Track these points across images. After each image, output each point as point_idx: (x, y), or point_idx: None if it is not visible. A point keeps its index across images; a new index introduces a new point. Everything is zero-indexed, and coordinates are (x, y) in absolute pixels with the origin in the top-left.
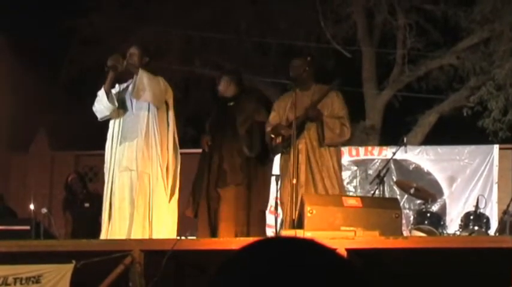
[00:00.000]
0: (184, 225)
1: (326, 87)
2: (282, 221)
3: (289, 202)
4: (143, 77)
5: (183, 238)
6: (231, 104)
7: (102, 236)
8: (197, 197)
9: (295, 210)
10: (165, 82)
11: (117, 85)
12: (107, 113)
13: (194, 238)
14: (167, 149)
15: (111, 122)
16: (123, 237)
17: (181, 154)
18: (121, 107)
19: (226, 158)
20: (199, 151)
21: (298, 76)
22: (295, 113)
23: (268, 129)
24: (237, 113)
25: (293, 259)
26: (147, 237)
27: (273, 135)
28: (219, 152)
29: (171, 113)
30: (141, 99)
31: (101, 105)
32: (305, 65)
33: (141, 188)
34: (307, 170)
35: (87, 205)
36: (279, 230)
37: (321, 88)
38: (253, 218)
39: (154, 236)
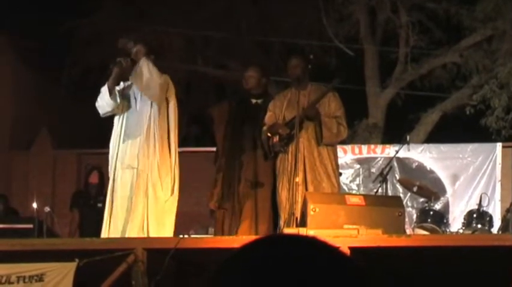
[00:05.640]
0: (188, 224)
1: (323, 86)
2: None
3: (289, 201)
4: (143, 66)
5: (185, 236)
6: (258, 101)
7: (104, 233)
8: (231, 191)
9: (297, 208)
10: (169, 80)
11: (121, 83)
12: (109, 109)
13: (198, 236)
14: (168, 148)
15: (116, 119)
16: (122, 235)
17: (184, 152)
18: (125, 104)
19: (260, 158)
20: (203, 149)
21: (297, 75)
22: (297, 111)
23: (265, 128)
24: (264, 111)
25: (296, 257)
26: (143, 236)
27: (269, 134)
28: (252, 150)
29: (172, 112)
30: (140, 89)
31: (103, 102)
32: (302, 64)
33: (139, 186)
34: (306, 169)
35: (100, 205)
36: (282, 228)
37: (317, 87)
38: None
39: (151, 235)
